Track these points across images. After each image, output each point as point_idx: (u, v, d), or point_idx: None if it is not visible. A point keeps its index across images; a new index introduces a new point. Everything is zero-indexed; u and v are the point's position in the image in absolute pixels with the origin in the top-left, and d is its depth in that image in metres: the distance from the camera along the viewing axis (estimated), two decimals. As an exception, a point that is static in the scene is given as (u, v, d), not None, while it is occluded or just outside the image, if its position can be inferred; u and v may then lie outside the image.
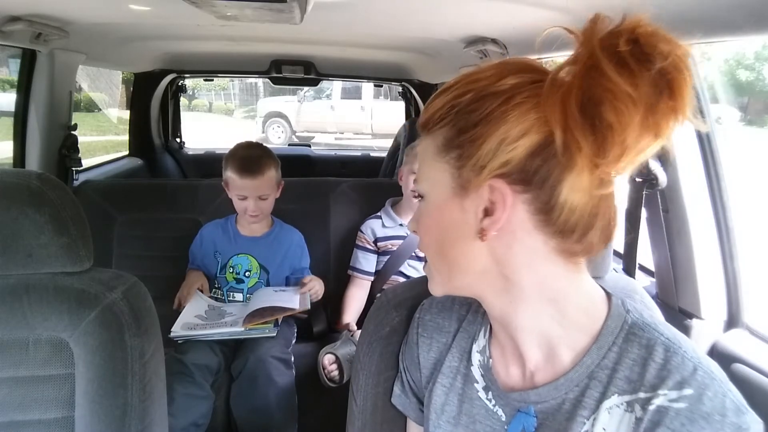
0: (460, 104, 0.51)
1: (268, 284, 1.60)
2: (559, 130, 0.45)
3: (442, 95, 0.53)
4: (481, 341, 0.62)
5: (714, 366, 0.49)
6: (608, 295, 0.55)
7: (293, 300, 1.49)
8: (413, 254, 1.63)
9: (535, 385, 0.55)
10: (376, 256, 1.69)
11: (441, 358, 0.65)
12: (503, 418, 0.57)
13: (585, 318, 0.53)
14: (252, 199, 1.52)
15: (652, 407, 0.47)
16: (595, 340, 0.52)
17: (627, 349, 0.50)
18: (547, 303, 0.52)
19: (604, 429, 0.49)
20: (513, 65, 0.51)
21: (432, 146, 0.54)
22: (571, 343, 0.53)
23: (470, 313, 0.65)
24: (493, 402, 0.58)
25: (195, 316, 1.47)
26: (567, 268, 0.52)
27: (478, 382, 0.61)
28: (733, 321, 1.08)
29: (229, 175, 1.53)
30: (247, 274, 1.59)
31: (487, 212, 0.50)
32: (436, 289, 0.59)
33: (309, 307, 1.49)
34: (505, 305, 0.54)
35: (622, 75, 0.42)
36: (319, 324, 1.66)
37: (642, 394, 0.48)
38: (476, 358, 0.62)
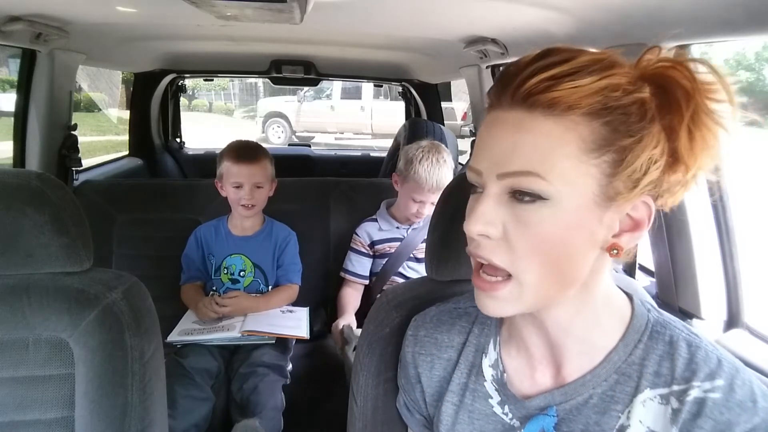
0: (615, 101, 0.46)
1: (266, 283, 1.60)
2: (691, 158, 0.47)
3: (587, 76, 0.45)
4: (491, 355, 0.61)
5: (733, 357, 0.51)
6: (628, 295, 0.57)
7: (300, 327, 1.48)
8: (411, 256, 1.63)
9: (561, 385, 0.55)
10: (370, 260, 1.67)
11: (447, 376, 0.63)
12: (519, 431, 0.57)
13: (618, 318, 0.55)
14: (247, 186, 1.52)
15: (689, 398, 0.49)
16: (622, 338, 0.54)
17: (652, 346, 0.53)
18: (602, 308, 0.54)
19: (641, 421, 0.51)
20: (620, 64, 0.48)
21: (573, 138, 0.46)
22: (603, 342, 0.54)
23: (475, 325, 0.63)
24: (510, 416, 0.58)
25: (193, 322, 1.48)
26: (611, 272, 0.54)
27: (492, 398, 0.59)
28: (733, 321, 1.08)
29: (225, 164, 1.54)
30: (241, 273, 1.59)
31: (627, 228, 0.50)
32: (517, 307, 0.51)
33: (308, 336, 1.48)
34: (570, 314, 0.53)
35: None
36: (319, 324, 1.66)
37: (676, 387, 0.50)
38: (488, 372, 0.60)
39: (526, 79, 0.46)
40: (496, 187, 0.49)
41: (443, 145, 1.63)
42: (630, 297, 0.56)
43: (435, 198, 1.52)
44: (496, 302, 0.51)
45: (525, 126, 0.46)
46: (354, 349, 1.40)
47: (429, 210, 1.56)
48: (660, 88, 0.47)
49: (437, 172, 1.52)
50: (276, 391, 1.38)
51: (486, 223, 0.48)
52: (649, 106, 0.47)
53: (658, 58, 0.48)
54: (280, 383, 1.42)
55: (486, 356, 0.61)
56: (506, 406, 0.58)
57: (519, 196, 0.48)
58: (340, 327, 1.49)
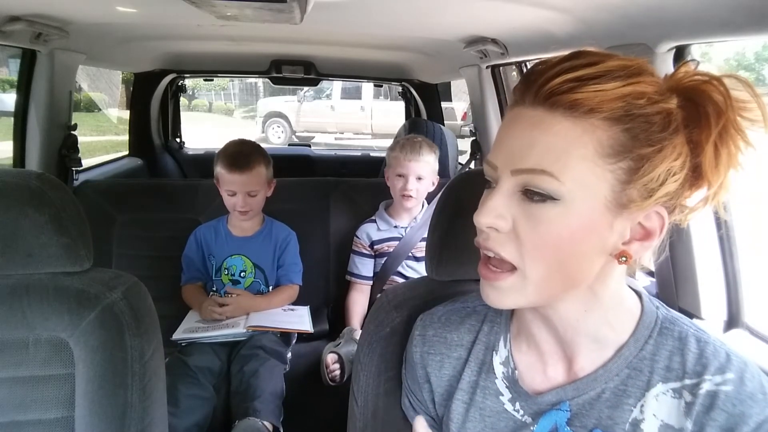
0: (638, 108, 0.46)
1: (266, 284, 1.60)
2: (714, 175, 0.48)
3: (611, 81, 0.45)
4: (502, 352, 0.61)
5: (740, 352, 0.52)
6: (637, 293, 0.57)
7: (303, 322, 1.51)
8: (410, 255, 1.63)
9: (574, 380, 0.56)
10: (373, 260, 1.68)
11: (457, 374, 0.63)
12: (532, 427, 0.57)
13: (628, 316, 0.55)
14: (241, 194, 1.52)
15: (702, 391, 0.50)
16: (632, 334, 0.54)
17: (662, 341, 0.54)
18: (612, 308, 0.54)
19: (655, 415, 0.52)
20: (648, 72, 0.48)
21: (590, 140, 0.46)
22: (615, 339, 0.55)
23: (485, 323, 0.64)
24: (522, 412, 0.58)
25: (196, 321, 1.49)
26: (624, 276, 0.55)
27: (503, 395, 0.60)
28: (733, 321, 1.08)
29: (219, 170, 1.54)
30: (242, 274, 1.59)
31: (638, 236, 0.50)
32: (518, 300, 0.52)
33: (311, 330, 1.51)
34: (577, 313, 0.54)
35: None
36: (320, 324, 1.66)
37: (688, 381, 0.51)
38: (499, 370, 0.61)
39: (550, 79, 0.47)
40: (509, 183, 0.49)
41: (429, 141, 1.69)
42: (639, 295, 0.57)
43: (418, 170, 1.58)
44: (498, 292, 0.52)
45: (544, 124, 0.47)
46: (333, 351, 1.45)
47: (414, 186, 1.59)
48: (690, 101, 0.48)
49: (413, 144, 1.61)
50: (276, 376, 1.39)
51: (496, 216, 0.49)
52: (674, 117, 0.47)
53: (694, 72, 0.48)
54: (281, 369, 1.43)
55: (497, 354, 0.61)
56: (517, 403, 0.58)
57: (530, 195, 0.48)
58: (327, 357, 1.46)
